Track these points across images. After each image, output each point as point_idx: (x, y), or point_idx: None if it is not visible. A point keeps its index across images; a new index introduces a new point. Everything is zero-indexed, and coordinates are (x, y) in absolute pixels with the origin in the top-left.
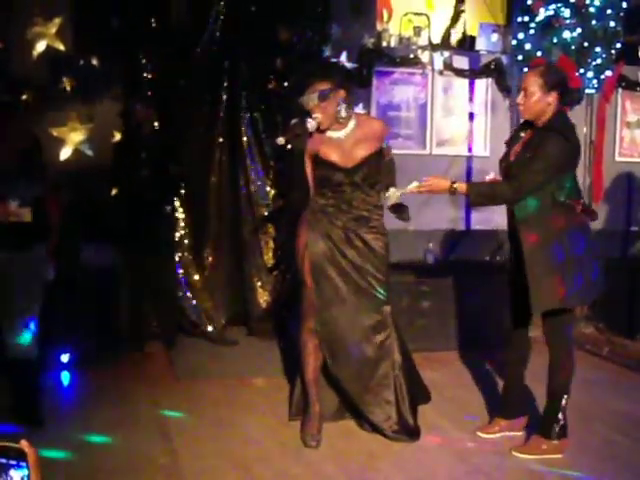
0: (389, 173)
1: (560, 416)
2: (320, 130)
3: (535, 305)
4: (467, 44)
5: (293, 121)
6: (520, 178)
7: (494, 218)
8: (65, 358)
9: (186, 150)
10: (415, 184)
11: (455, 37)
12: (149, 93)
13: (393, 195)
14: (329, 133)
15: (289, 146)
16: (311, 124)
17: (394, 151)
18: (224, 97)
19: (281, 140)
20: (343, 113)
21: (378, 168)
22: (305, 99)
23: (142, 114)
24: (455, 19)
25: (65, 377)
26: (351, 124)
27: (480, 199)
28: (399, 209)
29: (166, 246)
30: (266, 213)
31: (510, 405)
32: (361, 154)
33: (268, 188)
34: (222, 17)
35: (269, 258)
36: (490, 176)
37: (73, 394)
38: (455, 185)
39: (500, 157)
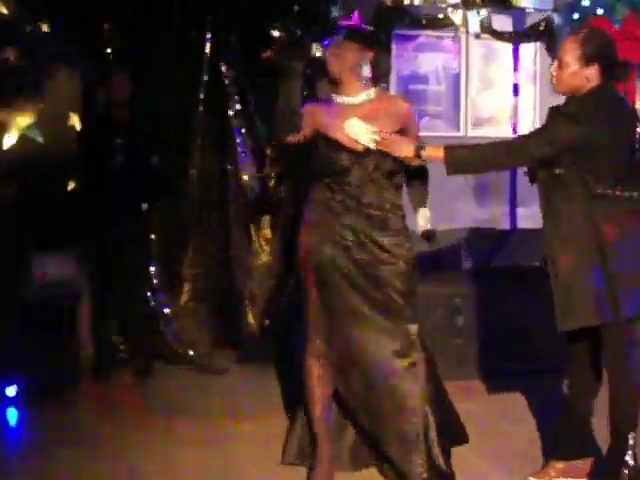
0: (420, 187)
1: (629, 458)
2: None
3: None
4: (510, 0)
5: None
6: (510, 144)
7: None
8: (11, 391)
9: (160, 136)
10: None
11: None
12: (112, 65)
13: (424, 218)
14: (338, 98)
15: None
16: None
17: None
18: (206, 69)
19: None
20: (366, 71)
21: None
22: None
23: (119, 88)
24: None
25: (11, 415)
26: (368, 93)
27: (461, 166)
28: (429, 234)
29: (140, 254)
30: (260, 210)
31: (570, 444)
32: (377, 136)
33: (261, 180)
34: None
35: (264, 266)
36: None
37: (21, 436)
38: (422, 151)
39: None
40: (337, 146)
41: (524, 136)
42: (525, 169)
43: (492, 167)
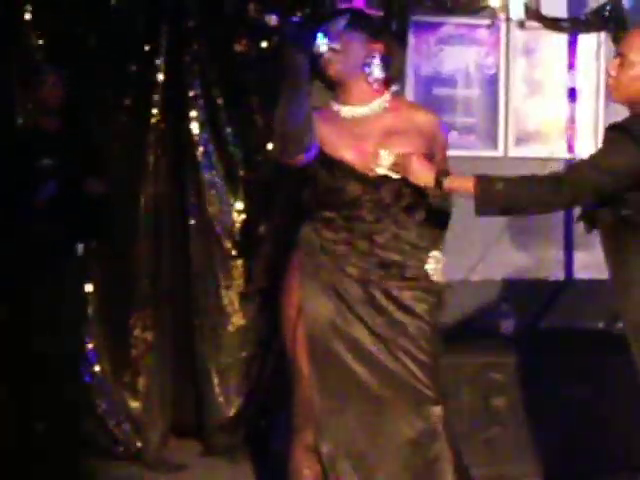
0: (436, 225)
1: None
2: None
3: None
4: None
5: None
6: (559, 177)
7: None
8: None
9: (101, 154)
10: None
11: None
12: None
13: (435, 265)
14: (343, 109)
15: None
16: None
17: None
18: (161, 66)
19: None
20: (376, 72)
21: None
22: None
23: (50, 86)
24: None
25: None
26: (381, 101)
27: (493, 205)
28: None
29: (71, 312)
30: (233, 252)
31: None
32: (393, 157)
33: (234, 214)
34: None
35: (236, 329)
36: None
37: None
38: (445, 179)
39: None
40: (345, 171)
41: (576, 165)
42: (579, 212)
43: (536, 207)
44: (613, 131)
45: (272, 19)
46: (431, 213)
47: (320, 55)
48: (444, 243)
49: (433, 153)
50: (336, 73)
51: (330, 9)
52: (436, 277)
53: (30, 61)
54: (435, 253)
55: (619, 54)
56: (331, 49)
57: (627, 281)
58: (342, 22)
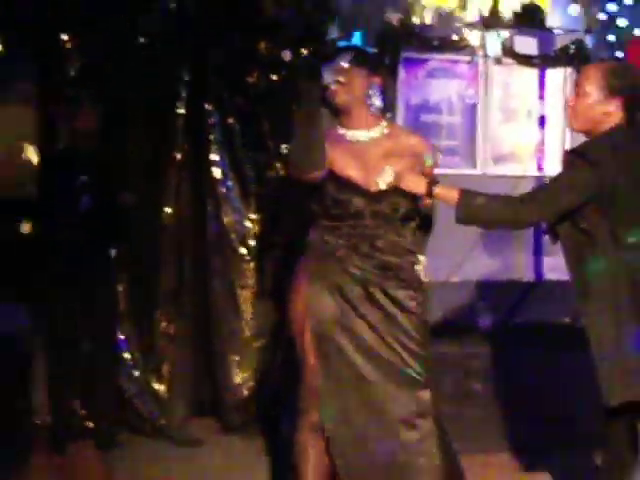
0: (421, 232)
1: None
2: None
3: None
4: (536, 20)
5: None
6: (529, 196)
7: None
8: None
9: (130, 171)
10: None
11: (516, 10)
12: (75, 90)
13: (420, 269)
14: (348, 133)
15: None
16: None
17: None
18: (184, 96)
19: None
20: (377, 102)
21: (414, 196)
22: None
23: (87, 123)
24: None
25: None
26: (381, 127)
27: (472, 216)
28: None
29: (104, 307)
30: (246, 257)
31: None
32: (392, 176)
33: (248, 224)
34: None
35: (249, 322)
36: None
37: None
38: (435, 188)
39: None
40: (351, 187)
41: (543, 187)
42: (544, 227)
43: (509, 222)
44: (571, 155)
45: (287, 54)
46: (420, 221)
47: (327, 87)
48: (426, 246)
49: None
50: (342, 102)
51: (335, 47)
52: (422, 277)
53: (69, 92)
54: (420, 256)
55: (576, 86)
56: (337, 82)
57: (585, 283)
58: (347, 58)
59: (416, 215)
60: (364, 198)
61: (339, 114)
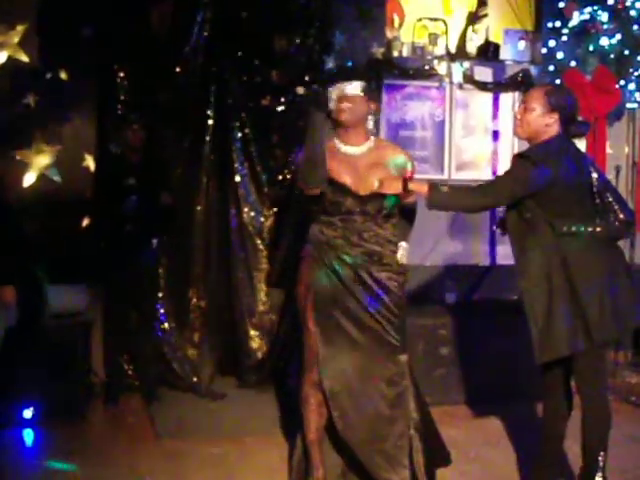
0: (405, 223)
1: (599, 478)
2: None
3: (540, 353)
4: (490, 53)
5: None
6: (484, 186)
7: None
8: (28, 413)
9: (168, 176)
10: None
11: (476, 45)
12: (125, 111)
13: (403, 251)
14: (344, 147)
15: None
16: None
17: None
18: (211, 115)
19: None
20: (371, 124)
21: (397, 199)
22: (342, 86)
23: (133, 134)
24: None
25: (28, 435)
26: (369, 143)
27: (439, 202)
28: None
29: (148, 287)
30: (261, 246)
31: (545, 467)
32: (377, 183)
33: (262, 219)
34: (209, 25)
35: (263, 298)
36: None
37: (37, 455)
38: (410, 185)
39: None
40: (343, 191)
41: (496, 178)
42: (496, 221)
43: (469, 206)
44: (519, 157)
45: (300, 89)
46: (404, 213)
47: (335, 107)
48: (410, 235)
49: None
50: (346, 121)
51: (345, 76)
52: (403, 261)
53: (121, 113)
54: (403, 243)
55: (523, 102)
56: (346, 104)
57: (525, 264)
58: (358, 87)
59: (396, 213)
60: (354, 200)
61: (339, 130)
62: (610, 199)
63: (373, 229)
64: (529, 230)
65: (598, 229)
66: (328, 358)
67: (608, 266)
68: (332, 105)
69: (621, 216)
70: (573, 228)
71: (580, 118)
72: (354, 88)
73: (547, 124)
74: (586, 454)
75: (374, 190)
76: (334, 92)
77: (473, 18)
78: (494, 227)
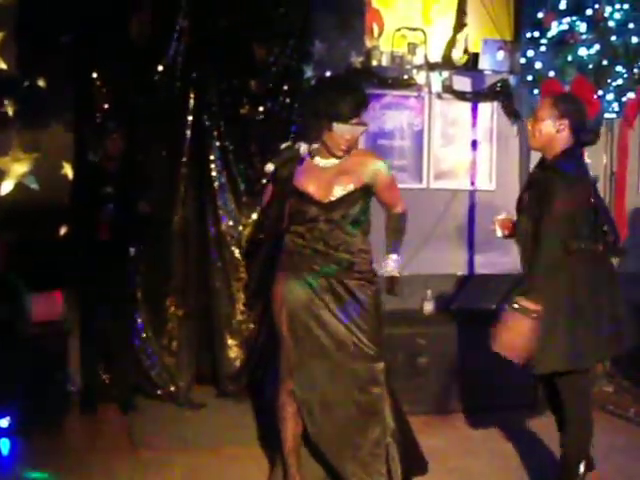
0: (395, 233)
1: None
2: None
3: (538, 364)
4: (469, 63)
5: (284, 145)
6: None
7: (500, 261)
8: (4, 423)
9: (146, 185)
10: None
11: (455, 55)
12: (103, 119)
13: (393, 264)
14: (321, 161)
15: (272, 171)
16: (303, 148)
17: None
18: (189, 124)
19: (270, 167)
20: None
21: (365, 206)
22: (349, 128)
23: (111, 142)
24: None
25: (3, 445)
26: (347, 156)
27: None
28: (392, 281)
29: (125, 295)
30: (238, 256)
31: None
32: (341, 190)
33: (240, 227)
34: (188, 34)
35: (241, 307)
36: (501, 216)
37: (13, 465)
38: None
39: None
40: (307, 198)
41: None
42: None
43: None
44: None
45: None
46: (391, 222)
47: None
48: (401, 247)
49: (373, 185)
50: (343, 153)
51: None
52: (395, 274)
53: (99, 120)
54: (393, 256)
55: (534, 113)
56: (349, 140)
57: (532, 277)
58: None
59: (366, 220)
60: (318, 208)
61: (324, 150)
62: (602, 218)
63: (340, 237)
64: (538, 242)
65: (600, 247)
66: (300, 367)
67: (610, 285)
68: (332, 137)
69: (611, 238)
70: (582, 245)
71: None
72: (363, 129)
73: (558, 130)
74: (566, 463)
75: (337, 197)
76: (345, 130)
77: (459, 27)
78: (493, 226)
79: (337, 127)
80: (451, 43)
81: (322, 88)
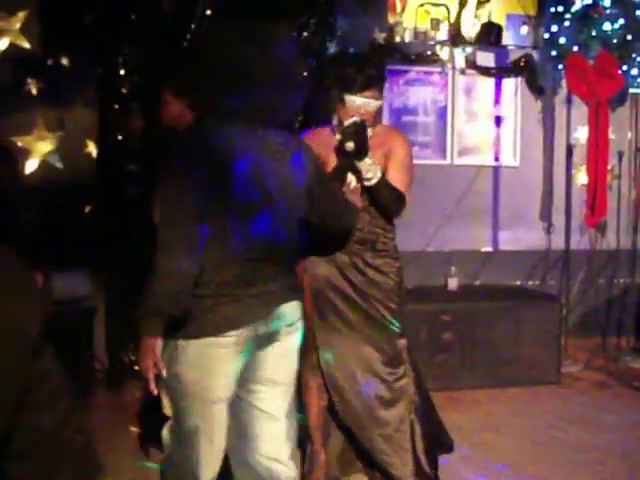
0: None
1: None
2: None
3: None
4: (493, 38)
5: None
6: None
7: (524, 237)
8: None
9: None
10: None
11: (478, 29)
12: (127, 97)
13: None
14: (337, 136)
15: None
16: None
17: None
18: None
19: (350, 145)
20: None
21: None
22: (362, 101)
23: (137, 124)
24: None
25: None
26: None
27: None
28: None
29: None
30: None
31: None
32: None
33: None
34: (211, 10)
35: None
36: None
37: None
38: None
39: None
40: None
41: None
42: None
43: None
44: None
45: None
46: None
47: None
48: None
49: (389, 157)
50: (370, 120)
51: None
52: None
53: (122, 98)
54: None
55: None
56: (366, 110)
57: None
58: (376, 89)
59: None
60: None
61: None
62: None
63: (365, 217)
64: None
65: None
66: (326, 342)
67: None
68: (345, 110)
69: None
70: None
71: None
72: (375, 90)
73: None
74: None
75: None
76: (357, 103)
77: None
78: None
79: (348, 99)
80: (471, 19)
81: (335, 61)
